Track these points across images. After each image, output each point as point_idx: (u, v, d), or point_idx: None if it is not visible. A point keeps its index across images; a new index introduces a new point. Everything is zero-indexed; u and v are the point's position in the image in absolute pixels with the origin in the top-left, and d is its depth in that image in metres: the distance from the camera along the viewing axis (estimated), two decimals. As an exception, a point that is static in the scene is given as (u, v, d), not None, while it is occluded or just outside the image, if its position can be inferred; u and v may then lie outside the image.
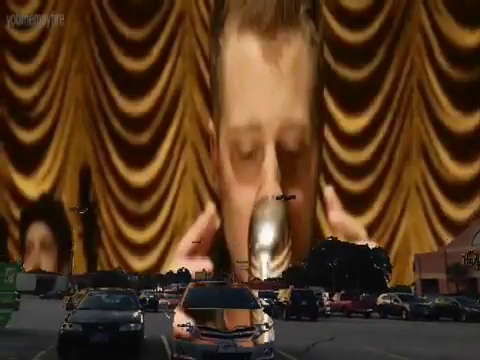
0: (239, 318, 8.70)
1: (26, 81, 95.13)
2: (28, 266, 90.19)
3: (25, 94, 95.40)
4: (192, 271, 77.62)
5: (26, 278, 52.98)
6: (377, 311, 29.03)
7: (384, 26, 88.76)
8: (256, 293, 27.85)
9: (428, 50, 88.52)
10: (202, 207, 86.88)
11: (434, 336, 16.98)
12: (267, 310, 9.35)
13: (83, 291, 26.05)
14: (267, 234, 74.09)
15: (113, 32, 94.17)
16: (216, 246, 79.43)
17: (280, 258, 73.45)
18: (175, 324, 8.60)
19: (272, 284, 55.14)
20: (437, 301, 28.69)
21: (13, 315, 14.52)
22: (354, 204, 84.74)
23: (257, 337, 8.14)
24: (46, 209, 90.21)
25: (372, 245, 62.27)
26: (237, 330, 8.13)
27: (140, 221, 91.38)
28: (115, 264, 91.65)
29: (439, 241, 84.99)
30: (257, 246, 73.95)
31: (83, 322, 9.72)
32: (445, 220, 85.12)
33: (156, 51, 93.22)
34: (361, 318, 28.04)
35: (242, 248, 72.62)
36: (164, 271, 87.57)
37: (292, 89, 76.75)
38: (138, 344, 9.89)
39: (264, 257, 73.89)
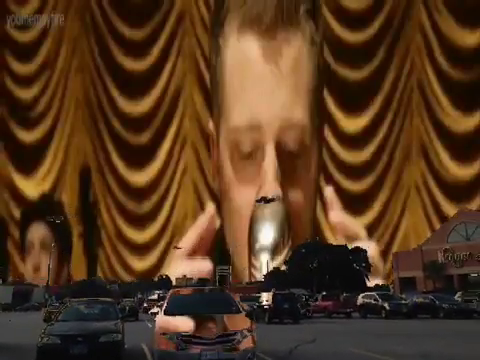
0: (221, 324, 8.56)
1: (26, 81, 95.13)
2: (28, 267, 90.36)
3: (25, 94, 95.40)
4: (190, 272, 77.51)
5: (2, 290, 52.16)
6: (358, 311, 29.31)
7: (384, 26, 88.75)
8: (238, 297, 27.70)
9: (428, 50, 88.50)
10: (202, 207, 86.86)
11: (413, 334, 17.10)
12: (249, 314, 9.32)
13: (58, 303, 25.61)
14: (267, 234, 74.08)
15: (113, 32, 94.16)
16: (216, 246, 79.39)
17: (280, 258, 73.40)
18: (156, 333, 8.50)
19: (254, 288, 55.02)
20: (415, 299, 29.07)
21: None
22: (354, 204, 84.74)
23: (239, 342, 8.07)
24: (46, 209, 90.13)
25: (362, 244, 62.05)
26: (219, 336, 8.04)
27: (140, 221, 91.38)
28: (115, 264, 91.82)
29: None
30: (257, 246, 73.94)
31: (61, 334, 9.56)
32: (445, 220, 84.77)
33: (156, 51, 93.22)
34: (342, 318, 28.32)
35: (242, 248, 72.60)
36: (164, 272, 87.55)
37: (292, 89, 76.73)
38: (119, 355, 9.74)
39: (264, 257, 73.84)
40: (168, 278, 78.66)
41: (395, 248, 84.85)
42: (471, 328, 19.84)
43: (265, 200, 53.71)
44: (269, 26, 74.36)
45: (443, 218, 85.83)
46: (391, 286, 61.12)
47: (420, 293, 35.88)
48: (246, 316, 9.18)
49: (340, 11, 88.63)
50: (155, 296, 48.52)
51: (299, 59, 77.38)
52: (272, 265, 71.78)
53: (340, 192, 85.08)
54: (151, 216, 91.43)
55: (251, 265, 73.54)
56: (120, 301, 31.42)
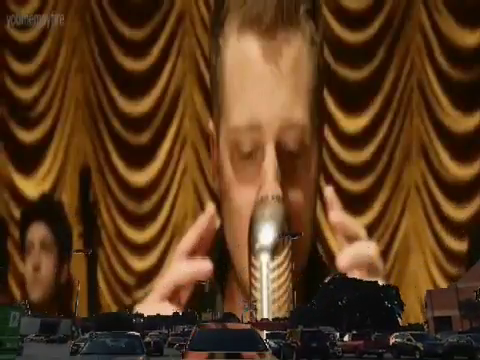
0: None
1: (26, 81, 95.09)
2: (28, 267, 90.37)
3: (25, 94, 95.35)
4: (191, 272, 77.59)
5: (29, 323, 52.79)
6: (390, 351, 28.47)
7: (384, 26, 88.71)
8: (264, 334, 27.06)
9: (428, 50, 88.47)
10: (202, 207, 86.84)
11: None
12: (276, 352, 9.22)
13: (87, 335, 25.47)
14: (267, 234, 74.01)
15: (113, 32, 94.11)
16: (216, 246, 79.40)
17: (280, 258, 73.38)
18: None
19: (280, 324, 54.10)
20: (451, 339, 27.97)
21: None
22: (354, 204, 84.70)
23: None
24: (46, 209, 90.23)
25: (381, 281, 60.48)
26: None
27: (140, 221, 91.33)
28: (115, 264, 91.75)
29: (439, 241, 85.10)
30: (257, 246, 73.83)
31: None
32: (445, 220, 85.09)
33: (156, 51, 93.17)
34: (374, 359, 27.45)
35: (242, 248, 72.57)
36: (164, 272, 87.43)
37: (292, 89, 76.59)
38: None
39: (264, 257, 73.82)
40: (193, 312, 78.63)
41: (395, 248, 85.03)
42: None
43: (291, 235, 53.21)
44: (269, 26, 74.19)
45: (443, 218, 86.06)
46: (425, 325, 60.11)
47: (456, 333, 34.40)
48: (273, 354, 9.13)
49: (340, 11, 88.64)
50: (180, 331, 48.28)
51: (299, 59, 77.25)
52: (272, 265, 71.89)
53: (340, 192, 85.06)
54: (151, 216, 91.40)
55: (251, 265, 73.48)
56: (145, 334, 31.12)
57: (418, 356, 25.86)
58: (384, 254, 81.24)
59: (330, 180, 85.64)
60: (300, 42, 77.36)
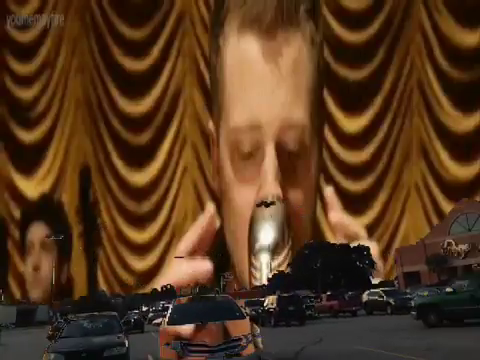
0: (225, 330, 8.53)
1: (26, 81, 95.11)
2: (28, 267, 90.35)
3: (25, 94, 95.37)
4: (191, 272, 77.49)
5: (6, 311, 52.61)
6: (363, 308, 29.17)
7: (384, 26, 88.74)
8: (242, 302, 27.64)
9: (428, 50, 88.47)
10: (202, 207, 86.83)
11: (420, 327, 16.97)
12: (254, 319, 9.27)
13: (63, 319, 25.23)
14: (267, 234, 74.02)
15: (113, 32, 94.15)
16: (216, 246, 79.39)
17: (280, 258, 73.37)
18: (160, 343, 8.48)
19: (258, 292, 54.80)
20: (420, 293, 28.54)
21: None
22: (354, 204, 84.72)
23: (244, 348, 8.03)
24: (46, 209, 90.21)
25: (362, 244, 61.72)
26: (224, 343, 8.02)
27: (140, 221, 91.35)
28: (115, 264, 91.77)
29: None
30: (257, 246, 73.87)
31: (66, 351, 9.49)
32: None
33: (156, 51, 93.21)
34: (348, 317, 28.22)
35: (242, 248, 72.58)
36: (164, 271, 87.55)
37: (292, 89, 76.66)
38: None
39: (264, 257, 73.84)
40: (172, 288, 78.50)
41: (395, 248, 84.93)
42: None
43: (265, 204, 53.34)
44: (269, 26, 74.25)
45: (443, 218, 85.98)
46: (395, 282, 61.03)
47: (424, 287, 35.57)
48: (250, 321, 9.16)
49: (340, 11, 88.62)
50: (159, 307, 48.46)
51: (299, 59, 77.30)
52: (272, 265, 71.83)
53: (340, 192, 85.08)
54: (151, 216, 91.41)
55: (251, 265, 73.51)
56: (125, 314, 31.06)
57: (390, 311, 26.36)
58: (384, 254, 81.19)
59: (330, 180, 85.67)
60: (300, 42, 77.39)
